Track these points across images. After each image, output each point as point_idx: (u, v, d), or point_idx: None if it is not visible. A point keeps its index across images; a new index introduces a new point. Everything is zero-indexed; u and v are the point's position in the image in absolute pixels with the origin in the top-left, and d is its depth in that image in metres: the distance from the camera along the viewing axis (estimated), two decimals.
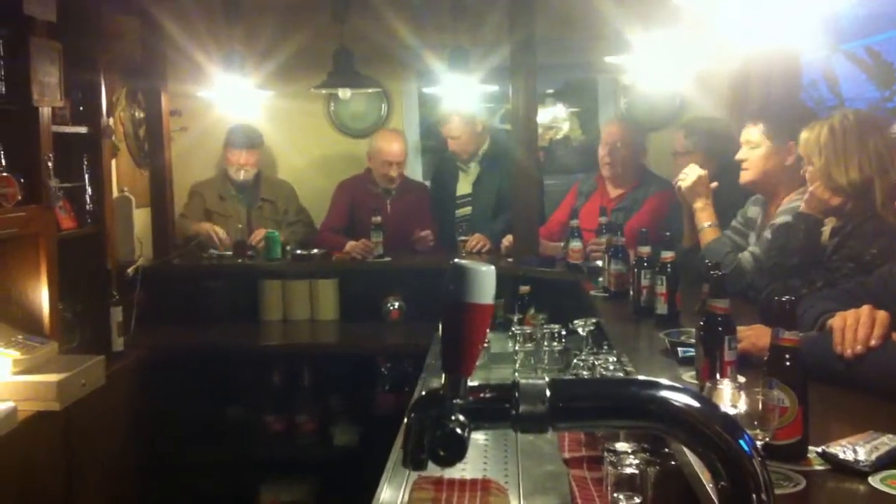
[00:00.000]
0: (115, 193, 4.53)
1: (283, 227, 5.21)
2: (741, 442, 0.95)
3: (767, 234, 3.26)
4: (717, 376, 1.98)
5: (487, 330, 0.97)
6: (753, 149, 3.38)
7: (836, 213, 2.84)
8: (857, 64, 4.56)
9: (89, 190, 4.04)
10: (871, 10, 4.45)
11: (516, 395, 0.96)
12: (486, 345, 3.40)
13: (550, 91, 6.43)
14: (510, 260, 4.51)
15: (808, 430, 1.66)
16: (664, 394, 0.96)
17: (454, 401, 0.96)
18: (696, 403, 0.96)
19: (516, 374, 3.20)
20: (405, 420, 0.98)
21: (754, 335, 2.27)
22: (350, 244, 4.95)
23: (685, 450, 1.65)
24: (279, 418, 4.64)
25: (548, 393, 0.95)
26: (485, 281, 0.93)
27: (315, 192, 5.46)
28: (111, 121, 4.35)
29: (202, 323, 4.80)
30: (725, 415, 1.03)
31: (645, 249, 3.07)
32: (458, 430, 0.94)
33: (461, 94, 4.90)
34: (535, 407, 0.95)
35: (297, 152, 5.62)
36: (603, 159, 4.63)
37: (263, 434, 4.61)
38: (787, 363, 1.65)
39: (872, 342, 2.05)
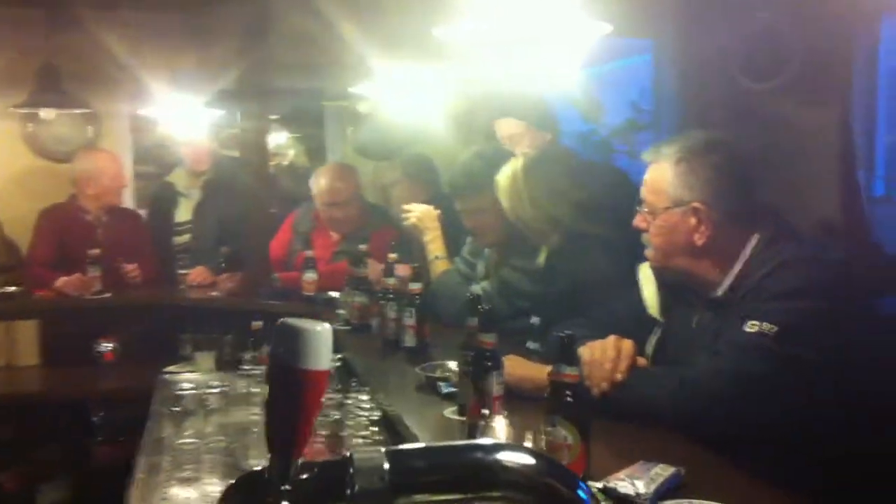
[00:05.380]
0: None
1: None
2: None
3: (507, 275, 3.29)
4: (486, 412, 1.95)
5: (323, 399, 0.83)
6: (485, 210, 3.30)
7: (541, 241, 3.01)
8: (568, 99, 4.84)
9: None
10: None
11: (350, 471, 0.83)
12: (226, 386, 3.17)
13: (275, 116, 6.25)
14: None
15: (591, 466, 1.65)
16: (510, 457, 0.88)
17: (282, 486, 0.81)
18: (544, 465, 0.89)
19: (257, 416, 3.01)
20: None
21: (509, 365, 2.27)
22: (62, 280, 4.47)
23: None
24: None
25: (386, 466, 0.84)
26: (320, 343, 0.80)
27: (11, 221, 4.88)
28: None
29: None
30: (567, 471, 0.97)
31: (392, 281, 3.01)
32: None
33: (182, 116, 4.61)
34: (373, 483, 0.83)
35: None
36: (324, 215, 4.50)
37: None
38: (569, 399, 1.64)
39: (618, 376, 2.11)
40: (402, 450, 0.87)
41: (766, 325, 2.00)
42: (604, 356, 2.15)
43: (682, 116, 5.51)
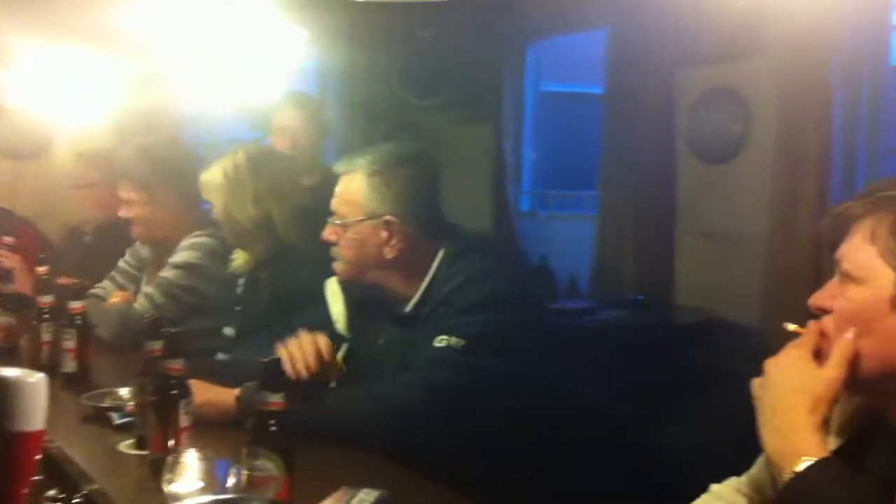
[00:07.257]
0: None
1: None
2: None
3: (168, 273, 3.10)
4: (172, 444, 1.78)
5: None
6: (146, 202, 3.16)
7: (248, 247, 2.88)
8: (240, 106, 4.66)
9: None
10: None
11: None
12: None
13: None
14: None
15: (294, 496, 1.56)
16: None
17: None
18: None
19: None
20: None
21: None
22: None
23: None
24: None
25: None
26: (34, 397, 0.64)
27: None
28: None
29: None
30: None
31: (47, 299, 2.67)
32: None
33: None
34: None
35: None
36: None
37: None
38: (273, 428, 1.52)
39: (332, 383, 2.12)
40: None
41: (454, 339, 2.04)
42: (304, 349, 2.11)
43: (349, 127, 5.58)
